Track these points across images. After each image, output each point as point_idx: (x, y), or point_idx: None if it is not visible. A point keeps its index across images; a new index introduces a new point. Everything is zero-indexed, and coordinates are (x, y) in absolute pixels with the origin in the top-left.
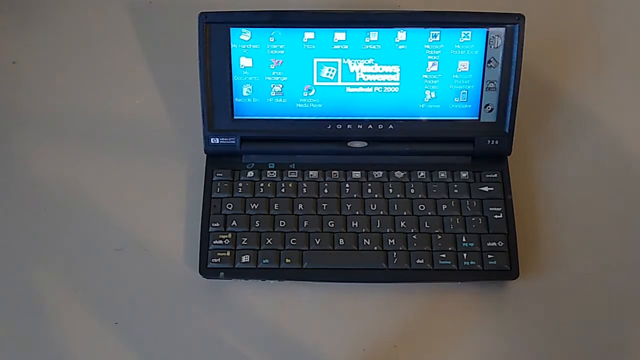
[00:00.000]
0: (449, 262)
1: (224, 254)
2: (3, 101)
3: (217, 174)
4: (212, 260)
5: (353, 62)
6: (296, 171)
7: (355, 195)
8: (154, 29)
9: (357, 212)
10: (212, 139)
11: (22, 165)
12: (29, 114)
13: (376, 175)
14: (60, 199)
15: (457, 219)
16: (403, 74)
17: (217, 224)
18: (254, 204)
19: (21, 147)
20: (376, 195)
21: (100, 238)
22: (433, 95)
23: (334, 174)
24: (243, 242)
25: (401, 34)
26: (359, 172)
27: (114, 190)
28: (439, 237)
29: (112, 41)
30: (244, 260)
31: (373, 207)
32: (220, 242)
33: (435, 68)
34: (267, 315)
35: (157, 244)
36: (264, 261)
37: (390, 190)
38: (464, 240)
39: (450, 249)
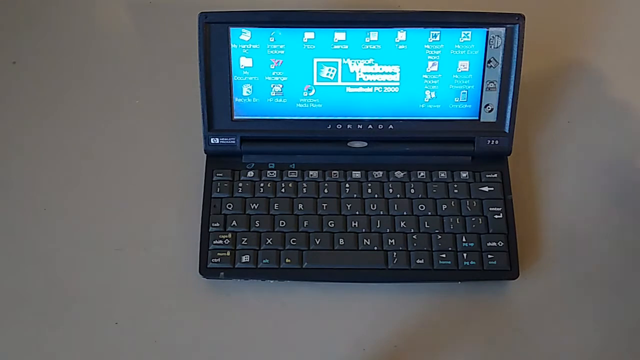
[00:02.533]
0: (449, 262)
1: (224, 254)
2: (3, 101)
3: (217, 174)
4: (212, 260)
5: (353, 62)
6: (296, 171)
7: (355, 195)
8: (154, 28)
9: (357, 212)
10: (212, 139)
11: (22, 165)
12: (29, 114)
13: (376, 175)
14: (60, 199)
15: (457, 219)
16: (403, 74)
17: (217, 224)
18: (254, 204)
19: (21, 147)
20: (376, 195)
21: (100, 238)
22: (433, 95)
23: (334, 174)
24: (243, 242)
25: (401, 34)
26: (359, 172)
27: (114, 190)
28: (439, 237)
29: (112, 41)
30: (244, 260)
31: (373, 207)
32: (220, 242)
33: (435, 68)
34: (267, 315)
35: (157, 244)
36: (264, 261)
37: (390, 190)
38: (463, 240)
39: (450, 249)
